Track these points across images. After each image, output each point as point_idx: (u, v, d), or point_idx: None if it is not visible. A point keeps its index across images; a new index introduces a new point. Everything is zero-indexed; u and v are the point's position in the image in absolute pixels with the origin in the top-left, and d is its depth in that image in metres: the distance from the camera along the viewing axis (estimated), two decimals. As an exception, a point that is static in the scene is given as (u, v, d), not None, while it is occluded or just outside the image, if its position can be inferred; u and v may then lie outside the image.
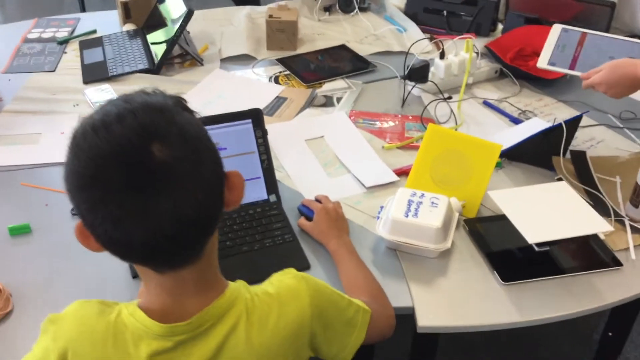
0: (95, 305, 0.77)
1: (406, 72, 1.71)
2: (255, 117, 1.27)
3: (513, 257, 1.19)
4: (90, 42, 1.92)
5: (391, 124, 1.57)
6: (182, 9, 1.82)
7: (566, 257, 1.18)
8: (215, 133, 1.23)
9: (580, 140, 1.52)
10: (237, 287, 0.78)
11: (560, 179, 1.34)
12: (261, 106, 1.62)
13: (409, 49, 1.76)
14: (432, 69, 1.72)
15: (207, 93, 1.68)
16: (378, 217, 1.22)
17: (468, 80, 1.71)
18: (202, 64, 1.82)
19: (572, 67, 1.50)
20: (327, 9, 2.20)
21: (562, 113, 1.65)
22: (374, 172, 1.39)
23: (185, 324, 0.74)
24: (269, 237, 1.18)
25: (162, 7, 1.95)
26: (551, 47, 1.55)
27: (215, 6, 2.24)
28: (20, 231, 1.19)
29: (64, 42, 1.93)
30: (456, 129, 1.56)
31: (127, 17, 2.00)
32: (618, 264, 1.16)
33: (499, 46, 1.88)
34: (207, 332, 0.75)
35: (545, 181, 1.37)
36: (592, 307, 1.09)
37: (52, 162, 1.39)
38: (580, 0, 1.91)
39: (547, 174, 1.40)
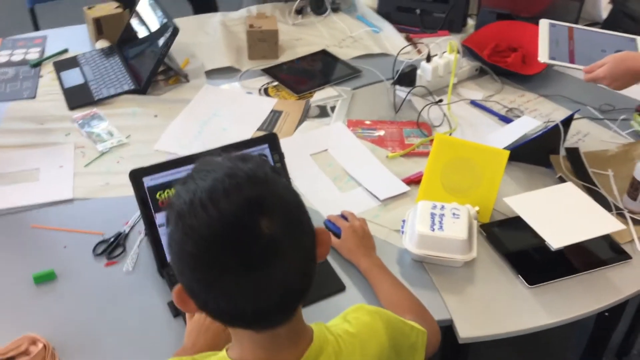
0: None
1: (395, 78, 1.75)
2: (271, 141, 1.28)
3: (531, 259, 1.26)
4: (65, 63, 1.86)
5: (390, 131, 1.61)
6: (158, 22, 1.79)
7: (579, 255, 1.26)
8: (234, 161, 1.24)
9: (568, 134, 1.60)
10: (321, 331, 0.81)
11: (560, 178, 1.42)
12: (258, 122, 1.63)
13: (397, 56, 1.79)
14: (418, 71, 1.76)
15: (201, 112, 1.66)
16: (402, 232, 1.26)
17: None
18: (187, 80, 1.80)
19: (572, 61, 1.55)
20: (299, 11, 2.20)
21: (545, 108, 1.73)
22: (384, 183, 1.42)
23: None
24: (299, 261, 1.20)
25: (135, 22, 1.90)
26: (546, 42, 1.60)
27: (175, 15, 2.19)
28: (45, 278, 1.17)
29: (37, 64, 1.85)
30: (451, 133, 1.61)
31: (99, 33, 1.94)
32: (627, 256, 1.25)
33: (475, 43, 1.93)
34: None
35: (545, 179, 1.44)
36: (612, 301, 1.17)
37: (60, 200, 1.36)
38: (550, -5, 2.00)
39: (545, 171, 1.47)
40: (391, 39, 2.04)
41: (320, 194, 1.40)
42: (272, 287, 0.67)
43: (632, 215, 1.33)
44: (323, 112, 1.69)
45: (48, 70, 1.84)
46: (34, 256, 1.23)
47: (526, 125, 1.59)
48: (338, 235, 1.24)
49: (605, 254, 1.26)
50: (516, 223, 1.29)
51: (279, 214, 0.68)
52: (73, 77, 1.78)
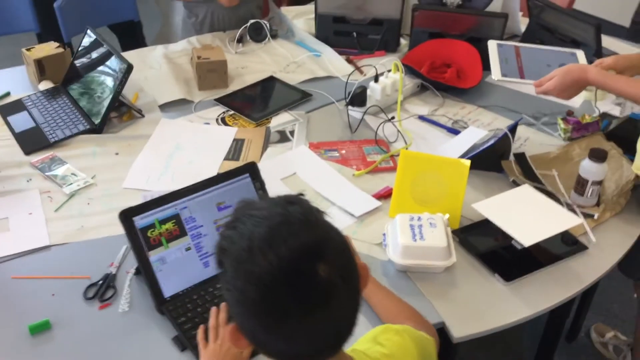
0: None
1: (348, 99, 1.83)
2: (252, 170, 1.32)
3: (502, 258, 1.37)
4: (11, 107, 1.81)
5: (350, 150, 1.69)
6: (105, 59, 1.78)
7: (543, 251, 1.38)
8: (218, 193, 1.27)
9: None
10: (360, 358, 0.85)
11: (514, 181, 1.55)
12: (223, 152, 1.66)
13: (348, 77, 1.88)
14: (368, 91, 1.86)
15: (163, 146, 1.67)
16: (385, 244, 1.33)
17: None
18: (142, 115, 1.80)
19: (522, 77, 1.71)
20: (239, 40, 2.25)
21: (486, 118, 1.87)
22: (356, 200, 1.49)
23: None
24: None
25: (80, 61, 1.88)
26: (497, 61, 1.75)
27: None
28: (41, 328, 1.14)
29: (-20, 110, 1.79)
30: (407, 148, 1.71)
31: (41, 74, 1.90)
32: (584, 247, 1.38)
33: (413, 61, 2.06)
34: None
35: (500, 183, 1.57)
36: (579, 288, 1.30)
37: (37, 248, 1.33)
38: (477, 14, 2.15)
39: (498, 176, 1.60)
40: (334, 62, 2.13)
41: (297, 216, 1.45)
42: (329, 328, 0.72)
43: (582, 210, 1.48)
44: (283, 137, 1.74)
45: (-7, 115, 1.78)
46: (24, 307, 1.20)
47: (474, 135, 1.71)
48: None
49: (565, 247, 1.39)
50: (483, 226, 1.40)
51: (334, 257, 0.72)
52: (22, 121, 1.74)
